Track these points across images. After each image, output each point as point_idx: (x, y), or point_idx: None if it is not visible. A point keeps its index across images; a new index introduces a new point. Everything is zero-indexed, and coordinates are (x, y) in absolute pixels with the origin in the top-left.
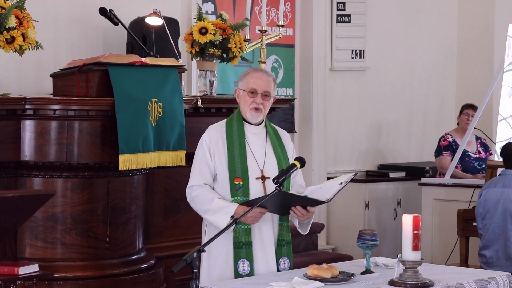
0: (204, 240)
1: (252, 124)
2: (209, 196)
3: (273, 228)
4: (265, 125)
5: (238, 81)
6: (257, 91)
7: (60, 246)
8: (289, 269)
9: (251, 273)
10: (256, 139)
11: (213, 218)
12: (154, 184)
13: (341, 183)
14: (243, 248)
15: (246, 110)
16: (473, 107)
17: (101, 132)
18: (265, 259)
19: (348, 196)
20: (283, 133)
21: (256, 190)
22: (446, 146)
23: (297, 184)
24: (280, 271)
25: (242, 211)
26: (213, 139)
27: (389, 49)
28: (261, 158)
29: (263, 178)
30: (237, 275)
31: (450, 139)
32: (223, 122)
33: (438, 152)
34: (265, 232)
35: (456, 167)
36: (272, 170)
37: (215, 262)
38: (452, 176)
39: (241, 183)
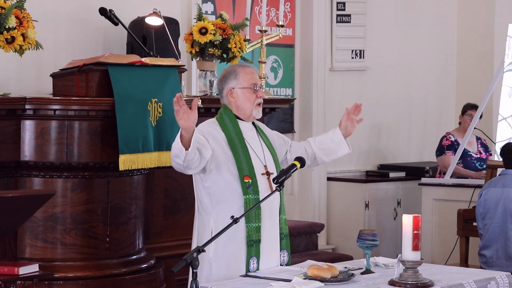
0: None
1: (243, 120)
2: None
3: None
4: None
5: (223, 83)
6: (257, 85)
7: (60, 246)
8: (287, 262)
9: (257, 270)
10: (251, 135)
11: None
12: (154, 184)
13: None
14: (253, 246)
15: (250, 107)
16: (476, 108)
17: (101, 132)
18: (270, 254)
19: (348, 196)
20: (262, 125)
21: (263, 186)
22: (448, 146)
23: (296, 147)
24: (281, 264)
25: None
26: (210, 133)
27: (389, 49)
28: (261, 154)
29: (267, 173)
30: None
31: (452, 139)
32: (212, 121)
33: (441, 151)
34: (271, 228)
35: (457, 165)
36: (272, 164)
37: (227, 261)
38: (456, 173)
39: (250, 181)
